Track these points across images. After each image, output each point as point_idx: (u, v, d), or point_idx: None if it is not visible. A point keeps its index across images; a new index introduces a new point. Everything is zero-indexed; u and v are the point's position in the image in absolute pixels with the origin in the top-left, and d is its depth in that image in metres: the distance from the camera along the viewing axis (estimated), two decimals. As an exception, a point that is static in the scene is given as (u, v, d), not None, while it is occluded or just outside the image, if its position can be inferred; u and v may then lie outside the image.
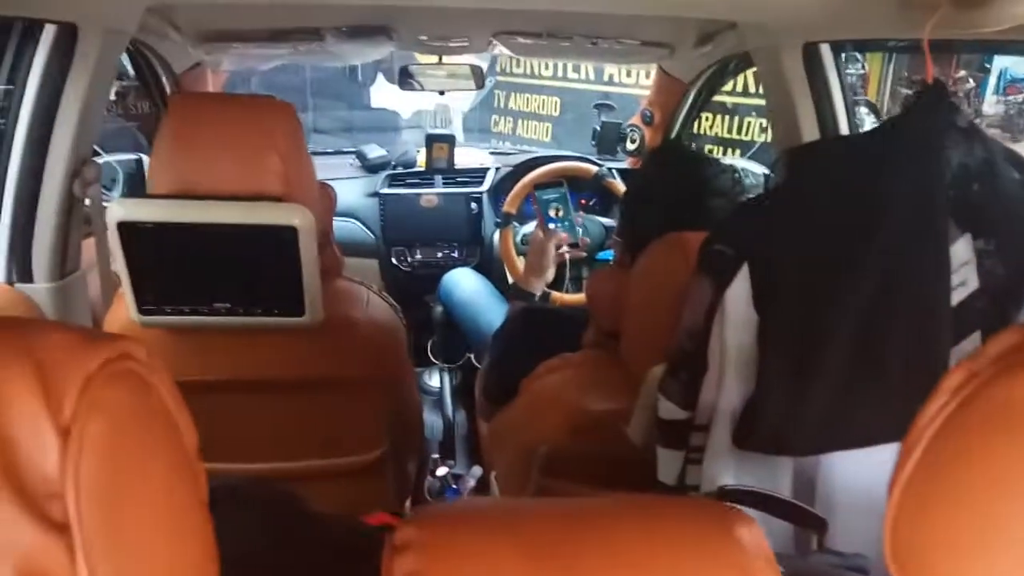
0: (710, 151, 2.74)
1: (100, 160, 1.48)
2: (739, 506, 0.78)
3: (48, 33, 1.19)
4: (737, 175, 1.15)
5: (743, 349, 0.86)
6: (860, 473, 0.89)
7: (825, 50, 1.24)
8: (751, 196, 1.08)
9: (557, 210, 1.72)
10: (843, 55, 1.28)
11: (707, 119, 2.94)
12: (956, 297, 0.80)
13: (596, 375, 1.15)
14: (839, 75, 1.27)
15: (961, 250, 0.79)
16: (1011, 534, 0.35)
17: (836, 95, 1.27)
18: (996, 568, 0.36)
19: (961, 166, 0.77)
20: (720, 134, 2.84)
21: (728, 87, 2.67)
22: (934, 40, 0.79)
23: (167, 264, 1.01)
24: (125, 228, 0.97)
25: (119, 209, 0.96)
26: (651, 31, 1.63)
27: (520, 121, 4.82)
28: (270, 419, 1.17)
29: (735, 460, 0.88)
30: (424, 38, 1.80)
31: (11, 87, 1.27)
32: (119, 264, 1.00)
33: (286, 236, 1.00)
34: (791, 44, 1.22)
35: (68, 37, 1.17)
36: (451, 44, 1.84)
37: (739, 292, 0.85)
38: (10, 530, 0.28)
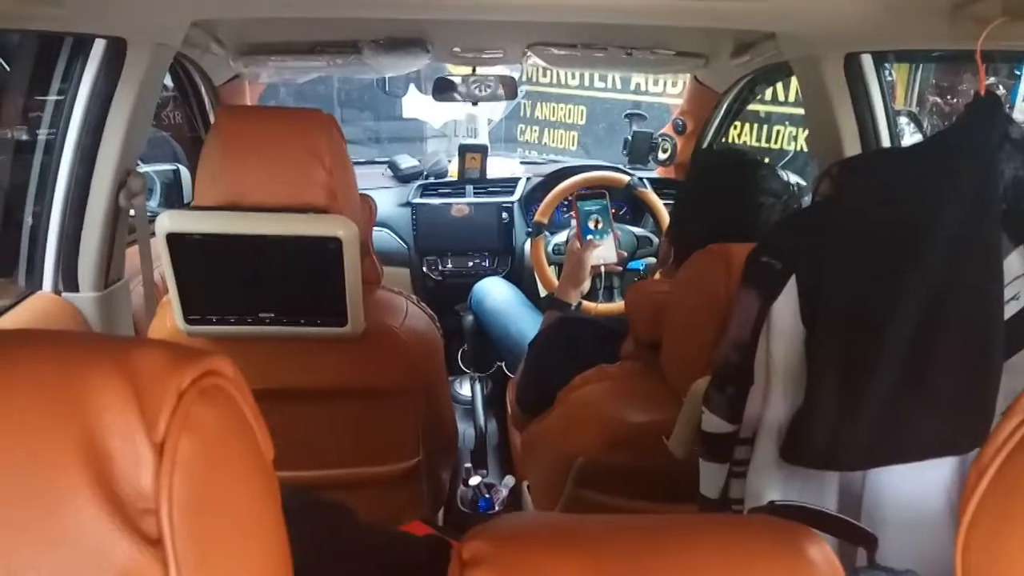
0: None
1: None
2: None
3: (98, 48, 1.22)
4: (788, 181, 1.15)
5: (790, 363, 0.85)
6: (907, 488, 0.88)
7: (867, 60, 1.23)
8: (799, 207, 1.08)
9: (597, 222, 1.72)
10: (885, 65, 1.27)
11: (736, 128, 2.92)
12: (1009, 311, 0.79)
13: (634, 387, 1.15)
14: (881, 86, 1.26)
15: (1014, 263, 0.78)
16: None
17: (878, 105, 1.26)
18: None
19: (1015, 179, 0.76)
20: (750, 143, 2.82)
21: (760, 96, 2.65)
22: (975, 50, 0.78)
23: (214, 274, 1.03)
24: (174, 239, 0.99)
25: (168, 221, 0.98)
26: (686, 41, 1.63)
27: (546, 130, 4.83)
28: (309, 428, 1.19)
29: (781, 474, 0.87)
30: (458, 50, 1.82)
31: (62, 98, 1.30)
32: (167, 274, 1.02)
33: (330, 247, 1.01)
34: (833, 55, 1.21)
35: (117, 52, 1.20)
36: (485, 55, 1.85)
37: (786, 305, 0.85)
38: (107, 544, 0.28)
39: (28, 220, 1.39)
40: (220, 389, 0.33)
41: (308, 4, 1.23)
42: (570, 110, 4.70)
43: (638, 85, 4.25)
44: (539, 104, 4.81)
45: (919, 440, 0.82)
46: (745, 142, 2.88)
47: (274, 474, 0.38)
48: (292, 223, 0.99)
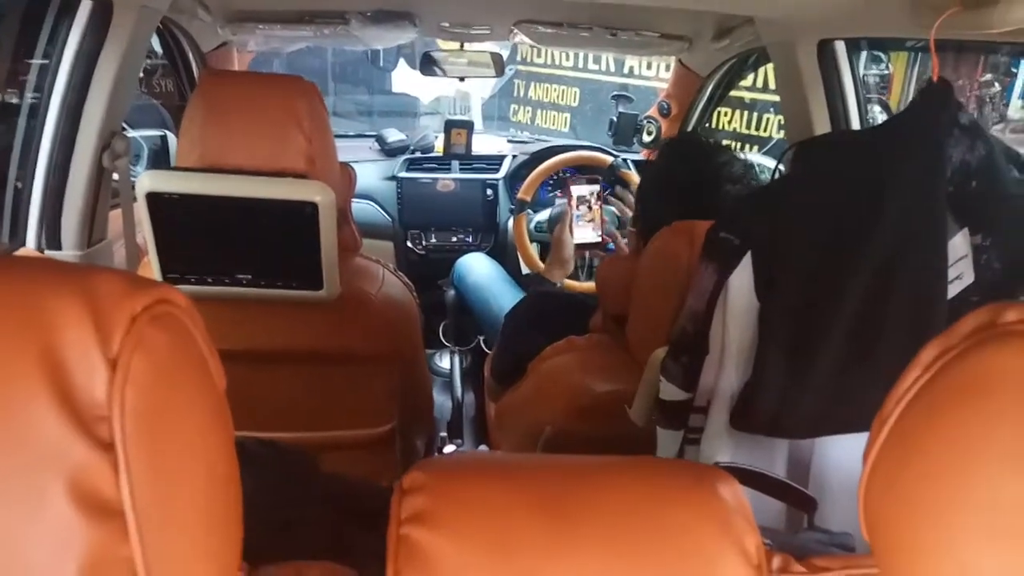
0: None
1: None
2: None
3: (84, 9, 1.23)
4: (750, 164, 1.18)
5: (744, 334, 0.89)
6: (851, 457, 0.91)
7: (840, 48, 1.26)
8: (758, 185, 1.11)
9: (589, 206, 1.75)
10: (862, 54, 1.30)
11: (726, 114, 2.94)
12: (952, 290, 0.82)
13: (601, 358, 1.18)
14: (853, 73, 1.29)
15: (959, 244, 0.81)
16: (976, 501, 0.38)
17: (849, 92, 1.29)
18: (960, 534, 0.39)
19: (962, 162, 0.79)
20: (738, 129, 2.85)
21: (747, 83, 2.68)
22: (959, 41, 0.80)
23: (192, 235, 1.05)
24: (153, 198, 1.01)
25: (148, 180, 1.00)
26: (670, 24, 1.65)
27: (539, 111, 4.83)
28: (284, 390, 1.21)
29: (732, 441, 0.91)
30: (446, 24, 1.83)
31: (46, 62, 1.31)
32: (146, 233, 1.04)
33: (307, 212, 1.03)
34: (806, 40, 1.24)
35: (103, 13, 1.21)
36: (473, 31, 1.87)
37: (742, 279, 0.88)
38: (63, 445, 0.31)
39: (13, 179, 1.40)
40: (173, 316, 0.36)
41: None
42: (563, 91, 4.70)
43: (631, 68, 4.25)
44: (533, 84, 4.81)
45: (863, 411, 0.85)
46: (735, 128, 2.90)
47: (226, 403, 0.41)
48: (270, 186, 1.01)
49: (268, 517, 0.58)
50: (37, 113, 1.32)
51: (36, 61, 1.38)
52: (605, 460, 0.49)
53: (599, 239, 1.75)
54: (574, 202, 1.75)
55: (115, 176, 1.35)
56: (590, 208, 1.77)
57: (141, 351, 0.33)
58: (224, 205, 1.02)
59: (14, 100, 1.50)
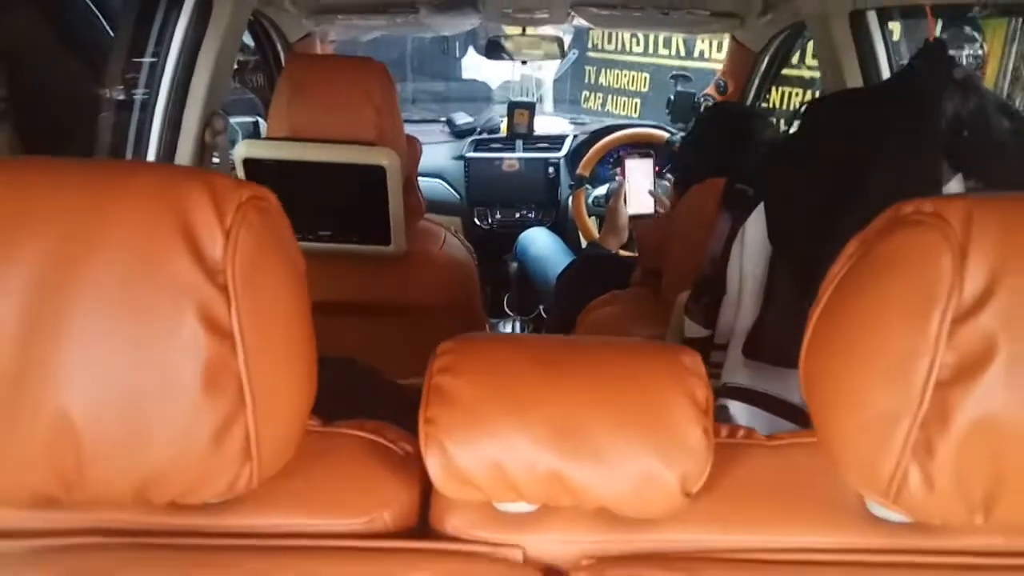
0: (791, 123, 2.78)
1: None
2: (734, 400, 0.92)
3: (188, 4, 1.43)
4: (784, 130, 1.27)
5: (758, 276, 0.99)
6: None
7: (872, 18, 1.32)
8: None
9: (643, 178, 1.84)
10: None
11: (796, 94, 2.94)
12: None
13: (640, 307, 1.30)
14: (885, 42, 1.35)
15: (954, 189, 0.89)
16: (873, 350, 0.49)
17: (882, 62, 1.35)
18: (865, 380, 0.50)
19: (955, 114, 0.87)
20: (796, 107, 2.86)
21: (811, 62, 2.69)
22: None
23: (282, 195, 1.22)
24: (248, 164, 1.19)
25: (244, 148, 1.18)
26: (719, 1, 1.73)
27: (610, 96, 4.89)
28: (356, 339, 1.37)
29: (748, 372, 1.01)
30: (508, 10, 1.97)
31: (155, 59, 1.51)
32: (243, 196, 1.22)
33: (376, 174, 1.19)
34: (838, 11, 1.31)
35: (204, 7, 1.40)
36: (534, 16, 1.99)
37: (756, 226, 0.98)
38: (195, 286, 0.46)
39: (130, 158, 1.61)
40: (267, 206, 0.50)
41: None
42: (633, 77, 4.74)
43: (701, 52, 4.27)
44: (603, 70, 4.87)
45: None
46: (795, 106, 2.91)
47: (304, 279, 0.55)
48: (345, 152, 1.17)
49: (340, 406, 0.73)
50: (148, 103, 1.52)
51: (147, 57, 1.58)
52: (598, 337, 0.61)
53: (652, 211, 1.84)
54: (628, 174, 1.85)
55: (215, 156, 1.54)
56: (644, 180, 1.87)
57: (246, 226, 0.48)
58: (307, 169, 1.19)
59: (129, 92, 1.71)
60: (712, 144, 1.26)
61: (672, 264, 1.21)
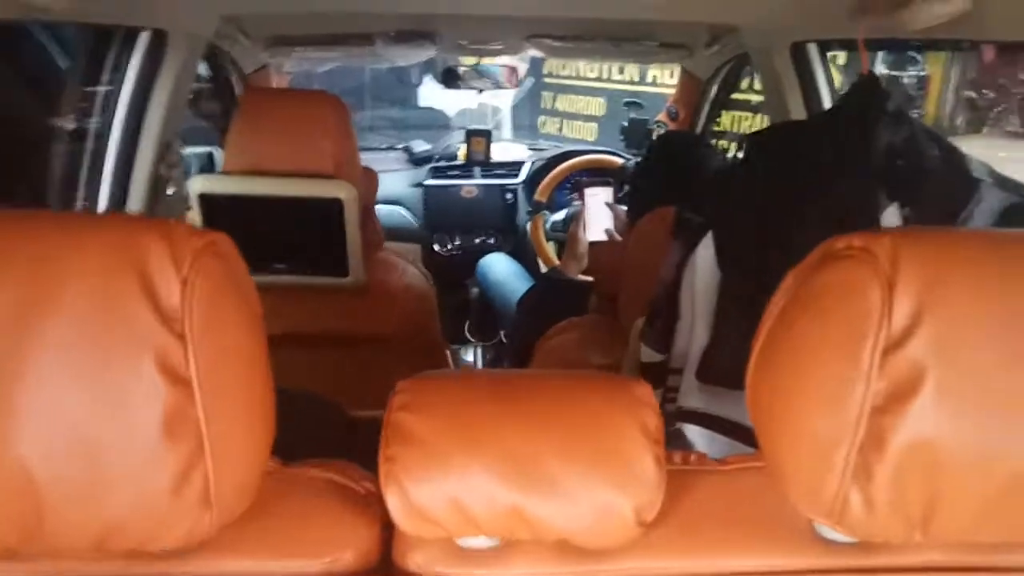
0: (741, 146, 2.86)
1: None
2: (690, 424, 0.95)
3: (143, 39, 1.42)
4: (731, 156, 1.31)
5: (710, 301, 1.02)
6: None
7: (812, 50, 1.38)
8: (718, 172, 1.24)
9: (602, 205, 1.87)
10: (827, 54, 1.42)
11: (746, 119, 3.03)
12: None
13: (597, 334, 1.32)
14: (826, 73, 1.41)
15: (890, 217, 0.93)
16: (813, 380, 0.51)
17: (823, 91, 1.41)
18: (803, 407, 0.52)
19: (889, 143, 0.91)
20: (745, 131, 2.95)
21: (758, 86, 2.78)
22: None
23: (236, 230, 1.20)
24: (204, 198, 1.18)
25: (200, 183, 1.18)
26: (667, 34, 1.79)
27: (566, 122, 4.97)
28: (315, 371, 1.37)
29: (703, 395, 1.03)
30: (464, 42, 2.00)
31: (111, 87, 1.50)
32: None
33: (334, 207, 1.20)
34: (780, 45, 1.37)
35: (159, 42, 1.40)
36: (489, 47, 2.03)
37: (706, 253, 1.01)
38: (152, 334, 0.46)
39: (81, 193, 1.59)
40: (223, 253, 0.51)
41: (323, 0, 1.42)
42: (588, 102, 4.83)
43: (655, 77, 4.37)
44: (559, 96, 4.95)
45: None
46: (744, 130, 3.00)
47: (262, 323, 0.56)
48: (301, 186, 1.18)
49: (302, 445, 0.73)
50: (102, 135, 1.51)
51: (101, 88, 1.57)
52: (552, 371, 0.63)
53: (605, 236, 1.88)
54: (587, 201, 1.88)
55: (169, 187, 1.53)
56: (603, 208, 1.90)
57: (202, 274, 0.48)
58: (263, 203, 1.19)
59: (81, 127, 1.70)
60: (661, 174, 1.30)
61: (627, 291, 1.24)
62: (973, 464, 0.48)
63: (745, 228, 0.96)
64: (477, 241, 2.48)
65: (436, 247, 2.48)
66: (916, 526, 0.50)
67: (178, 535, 0.49)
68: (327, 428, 0.88)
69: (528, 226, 2.37)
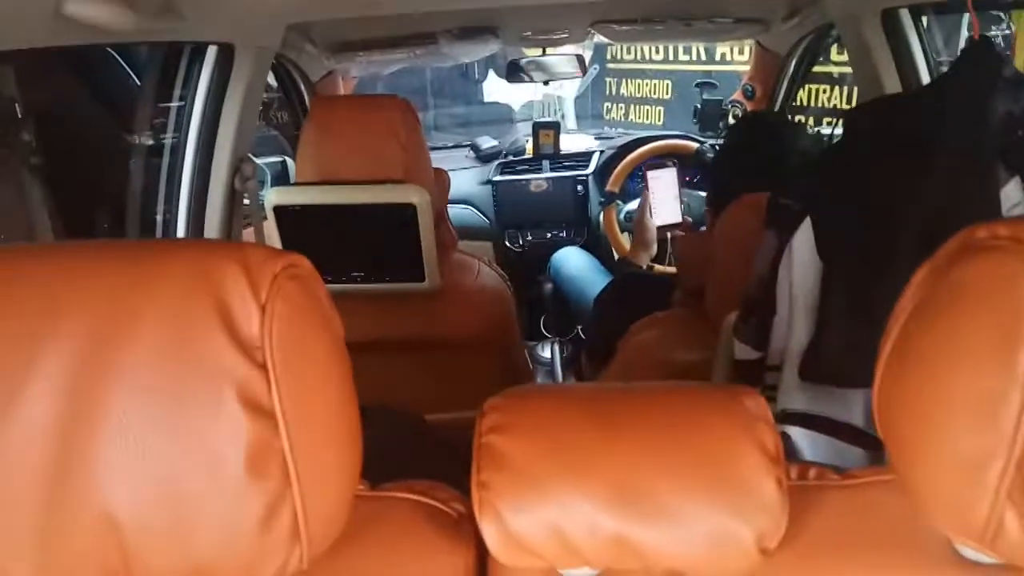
0: (821, 121, 2.72)
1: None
2: (793, 425, 0.88)
3: (210, 55, 1.44)
4: (819, 137, 1.23)
5: (809, 293, 0.95)
6: None
7: (905, 16, 1.28)
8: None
9: (668, 188, 1.82)
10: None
11: (824, 91, 2.88)
12: (1011, 237, 0.85)
13: (682, 330, 1.26)
14: (921, 40, 1.30)
15: (1012, 192, 0.84)
16: (961, 390, 0.45)
17: (919, 59, 1.30)
18: (949, 420, 0.46)
19: (1007, 113, 0.82)
20: (824, 105, 2.80)
21: (837, 57, 2.64)
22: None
23: (312, 239, 1.22)
24: (279, 210, 1.18)
25: (275, 195, 1.17)
26: (742, 7, 1.70)
27: (632, 107, 4.86)
28: (393, 377, 1.35)
29: (806, 395, 0.97)
30: (528, 34, 1.95)
31: (182, 104, 1.53)
32: (274, 242, 1.21)
33: (407, 213, 1.17)
34: (870, 11, 1.27)
35: (227, 56, 1.41)
36: (553, 37, 1.98)
37: (804, 241, 0.94)
38: (233, 365, 0.44)
39: (161, 208, 1.63)
40: (302, 275, 0.49)
41: (388, 2, 1.40)
42: (655, 85, 4.71)
43: (723, 55, 4.22)
44: (624, 81, 4.84)
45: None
46: (822, 104, 2.86)
47: (344, 345, 0.53)
48: (374, 193, 1.16)
49: (385, 462, 0.71)
50: (177, 151, 1.53)
51: (174, 104, 1.60)
52: (652, 383, 0.58)
53: (680, 219, 1.81)
54: (650, 184, 1.82)
55: (245, 199, 1.55)
56: (668, 190, 1.84)
57: (281, 299, 0.46)
58: (337, 212, 1.18)
59: (159, 143, 1.74)
60: (746, 158, 1.23)
61: (716, 284, 1.17)
62: None
63: (848, 212, 0.89)
64: (549, 236, 2.43)
65: (508, 244, 2.45)
66: None
67: (269, 573, 0.47)
68: (412, 444, 0.86)
69: (601, 217, 2.31)
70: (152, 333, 0.43)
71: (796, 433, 0.94)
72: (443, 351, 1.35)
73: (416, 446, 0.87)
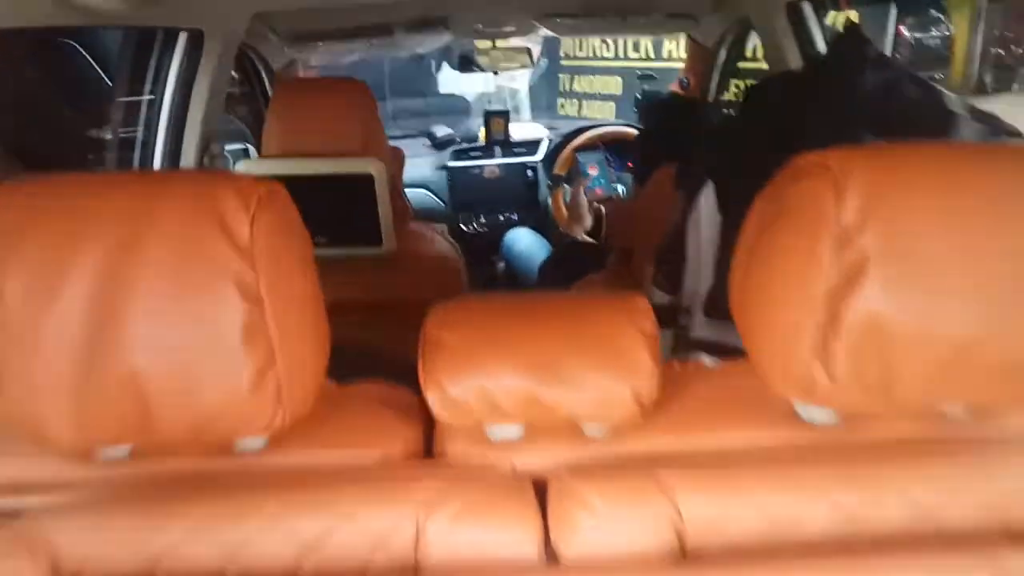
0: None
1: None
2: (701, 352, 1.04)
3: (180, 42, 1.55)
4: (726, 115, 1.40)
5: (712, 243, 1.11)
6: None
7: (807, 8, 1.45)
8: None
9: (594, 168, 1.99)
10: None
11: (748, 85, 3.07)
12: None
13: (614, 285, 1.41)
14: (822, 29, 1.48)
15: (874, 154, 1.01)
16: (785, 282, 0.61)
17: (820, 47, 1.48)
18: (777, 303, 0.61)
19: (872, 87, 0.99)
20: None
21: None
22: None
23: (279, 208, 1.34)
24: None
25: (243, 166, 1.30)
26: (671, 3, 1.86)
27: (585, 102, 5.03)
28: (353, 337, 1.48)
29: (712, 329, 1.13)
30: (479, 26, 2.09)
31: (152, 95, 1.63)
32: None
33: (365, 182, 1.31)
34: (776, 5, 1.44)
35: (196, 43, 1.52)
36: (502, 30, 2.12)
37: (708, 201, 1.10)
38: (230, 262, 0.57)
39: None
40: (280, 198, 0.62)
41: None
42: (606, 81, 4.88)
43: (669, 52, 4.41)
44: (576, 77, 5.01)
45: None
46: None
47: (313, 258, 0.66)
48: (335, 164, 1.29)
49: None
50: (148, 136, 1.63)
51: (146, 96, 1.70)
52: (563, 293, 0.73)
53: (609, 194, 1.99)
54: (581, 166, 2.00)
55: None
56: (595, 170, 2.02)
57: (266, 212, 0.59)
58: (300, 182, 1.30)
59: (130, 127, 1.83)
60: (663, 135, 1.39)
61: (640, 245, 1.33)
62: (917, 336, 0.57)
63: (741, 174, 1.05)
64: (501, 218, 2.58)
65: (463, 225, 2.59)
66: (876, 394, 0.59)
67: (258, 426, 0.60)
68: (370, 364, 0.99)
69: (549, 200, 2.47)
70: (166, 236, 0.56)
71: (707, 360, 1.10)
72: (398, 312, 1.48)
73: (375, 367, 1.00)
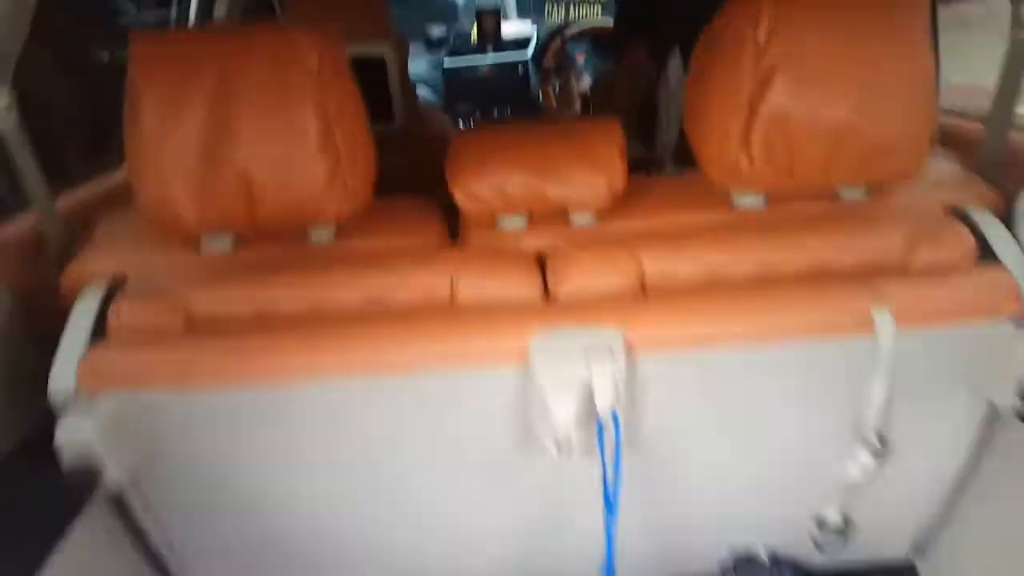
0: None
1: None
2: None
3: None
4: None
5: (679, 103, 1.31)
6: None
7: None
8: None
9: (581, 56, 2.17)
10: None
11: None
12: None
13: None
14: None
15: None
16: (721, 89, 0.82)
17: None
18: (713, 106, 0.82)
19: None
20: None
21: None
22: None
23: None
24: None
25: None
26: None
27: (572, 6, 5.07)
28: None
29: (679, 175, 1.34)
30: None
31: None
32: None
33: (379, 63, 1.49)
34: None
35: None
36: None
37: (674, 62, 1.30)
38: (309, 89, 0.78)
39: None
40: (334, 42, 0.82)
41: None
42: (593, -15, 4.93)
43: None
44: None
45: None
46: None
47: (359, 91, 0.87)
48: (350, 46, 1.47)
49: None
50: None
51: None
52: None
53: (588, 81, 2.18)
54: (570, 53, 2.17)
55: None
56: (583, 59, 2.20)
57: (328, 51, 0.79)
58: None
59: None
60: (634, 17, 1.58)
61: (619, 109, 1.53)
62: (810, 125, 0.78)
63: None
64: (496, 113, 2.76)
65: (460, 121, 2.77)
66: (784, 175, 0.82)
67: (334, 210, 0.82)
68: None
69: (540, 93, 2.64)
70: (261, 69, 0.77)
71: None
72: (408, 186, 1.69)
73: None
